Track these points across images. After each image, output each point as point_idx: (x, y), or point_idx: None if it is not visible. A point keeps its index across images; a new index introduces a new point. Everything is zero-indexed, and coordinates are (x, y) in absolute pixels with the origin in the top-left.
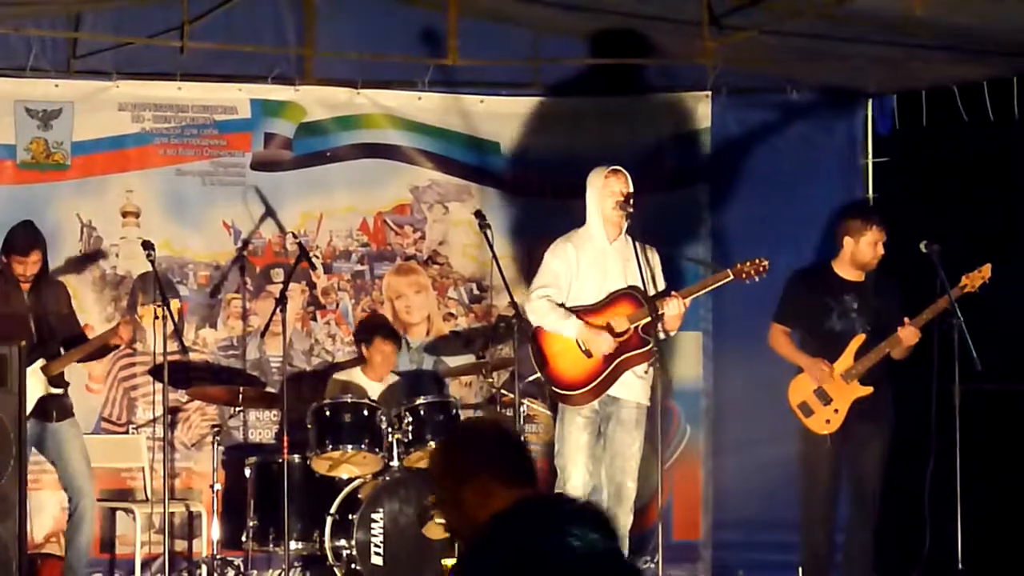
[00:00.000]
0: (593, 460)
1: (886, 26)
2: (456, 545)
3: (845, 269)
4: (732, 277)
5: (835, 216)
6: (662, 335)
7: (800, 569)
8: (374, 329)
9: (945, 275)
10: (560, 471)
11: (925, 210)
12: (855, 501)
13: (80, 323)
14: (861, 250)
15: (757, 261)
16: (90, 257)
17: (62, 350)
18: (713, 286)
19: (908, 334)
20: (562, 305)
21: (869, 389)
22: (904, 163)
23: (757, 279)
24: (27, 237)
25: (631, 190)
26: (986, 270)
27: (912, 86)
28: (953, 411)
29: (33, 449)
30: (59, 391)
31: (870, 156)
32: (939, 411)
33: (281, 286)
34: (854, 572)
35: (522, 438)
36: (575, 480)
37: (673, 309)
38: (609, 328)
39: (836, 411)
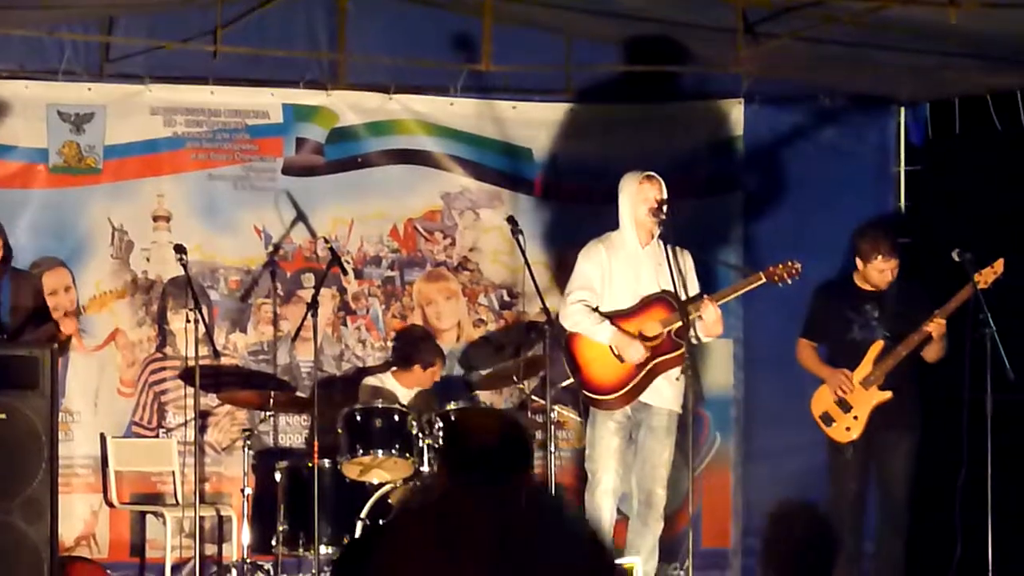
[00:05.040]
0: (624, 466)
1: (920, 34)
2: None
3: (864, 281)
4: (765, 280)
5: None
6: (699, 339)
7: None
8: (433, 350)
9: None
10: (591, 475)
11: (958, 219)
12: (883, 509)
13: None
14: (869, 273)
15: (790, 264)
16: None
17: None
18: (745, 289)
19: (936, 327)
20: (596, 309)
21: (888, 395)
22: (937, 172)
23: (790, 282)
24: None
25: (665, 197)
26: (998, 266)
27: (945, 94)
28: (985, 421)
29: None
30: None
31: (902, 164)
32: (971, 421)
33: (312, 291)
34: None
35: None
36: (605, 484)
37: (710, 315)
38: (641, 335)
39: (856, 418)
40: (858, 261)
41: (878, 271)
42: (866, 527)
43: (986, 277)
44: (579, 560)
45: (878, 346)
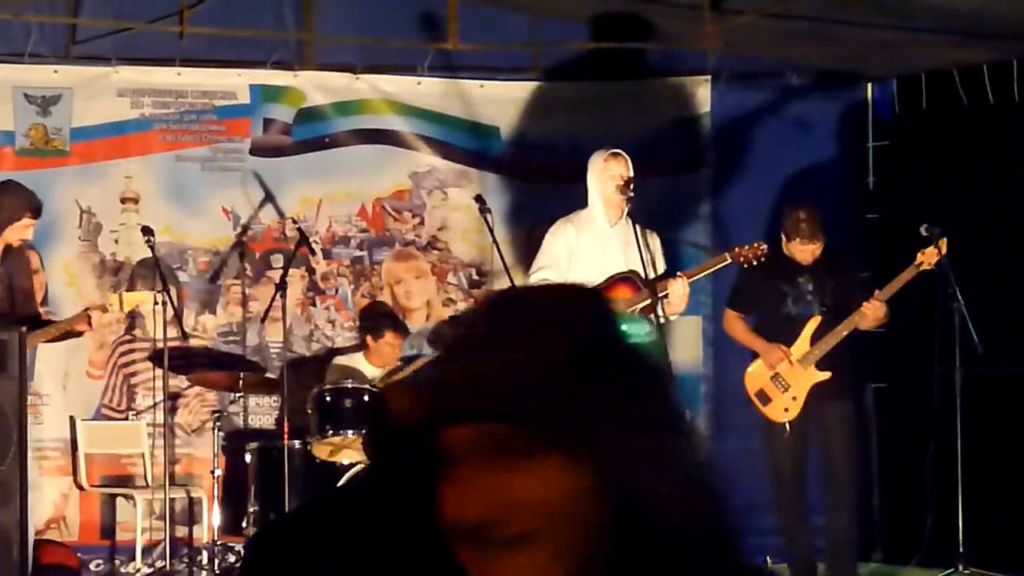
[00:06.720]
0: None
1: (887, 9)
2: None
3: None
4: (730, 260)
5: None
6: (665, 318)
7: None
8: (384, 322)
9: (947, 259)
10: None
11: (925, 194)
12: (827, 484)
13: (37, 300)
14: (790, 250)
15: (756, 245)
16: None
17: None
18: (711, 269)
19: (873, 308)
20: None
21: (827, 374)
22: (904, 147)
23: (755, 263)
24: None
25: (631, 174)
26: (942, 245)
27: (912, 70)
28: (955, 395)
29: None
30: None
31: (870, 140)
32: (940, 395)
33: (281, 272)
34: (836, 553)
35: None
36: None
37: (678, 290)
38: None
39: (794, 399)
40: (782, 236)
41: (797, 250)
42: (813, 502)
43: (929, 258)
44: None
45: (815, 322)
